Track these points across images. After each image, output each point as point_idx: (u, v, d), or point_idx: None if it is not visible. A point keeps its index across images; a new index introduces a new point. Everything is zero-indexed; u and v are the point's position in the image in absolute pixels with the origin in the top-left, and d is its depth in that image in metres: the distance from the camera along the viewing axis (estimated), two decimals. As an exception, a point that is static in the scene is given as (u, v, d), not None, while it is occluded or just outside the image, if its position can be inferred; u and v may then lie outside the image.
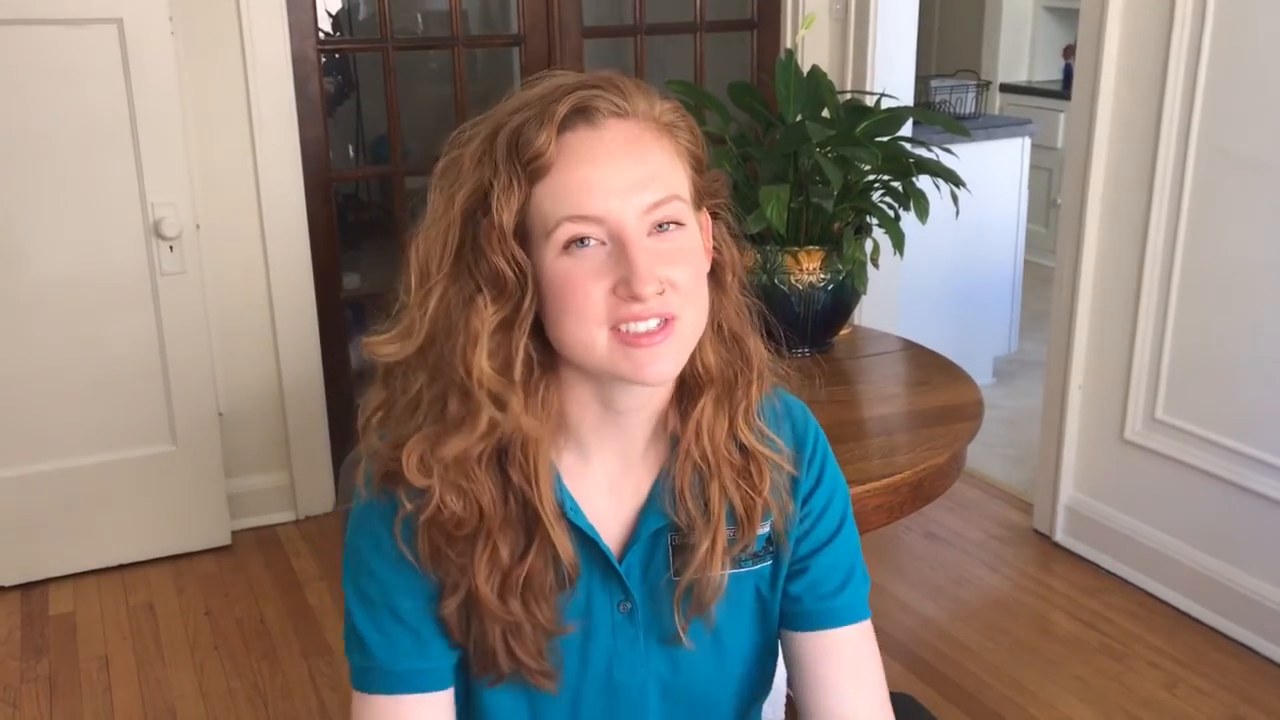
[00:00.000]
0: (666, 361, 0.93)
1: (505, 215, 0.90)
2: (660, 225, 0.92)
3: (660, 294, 0.91)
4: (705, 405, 1.00)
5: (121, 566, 2.89)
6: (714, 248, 1.01)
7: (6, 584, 2.80)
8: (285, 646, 2.56)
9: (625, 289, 0.90)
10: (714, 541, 1.01)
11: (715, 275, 1.01)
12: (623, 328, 0.91)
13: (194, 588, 2.81)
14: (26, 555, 2.81)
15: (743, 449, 1.03)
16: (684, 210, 0.94)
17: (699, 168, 0.98)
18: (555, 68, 0.99)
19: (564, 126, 0.90)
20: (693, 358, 0.99)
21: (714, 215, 1.02)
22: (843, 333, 2.23)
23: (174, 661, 2.51)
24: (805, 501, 1.07)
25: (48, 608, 2.73)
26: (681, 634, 1.03)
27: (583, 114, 0.91)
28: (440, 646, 1.00)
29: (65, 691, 2.42)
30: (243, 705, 2.36)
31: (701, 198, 0.99)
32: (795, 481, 1.06)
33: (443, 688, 1.01)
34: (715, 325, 1.01)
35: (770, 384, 1.05)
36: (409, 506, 0.94)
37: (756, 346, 1.03)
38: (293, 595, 2.77)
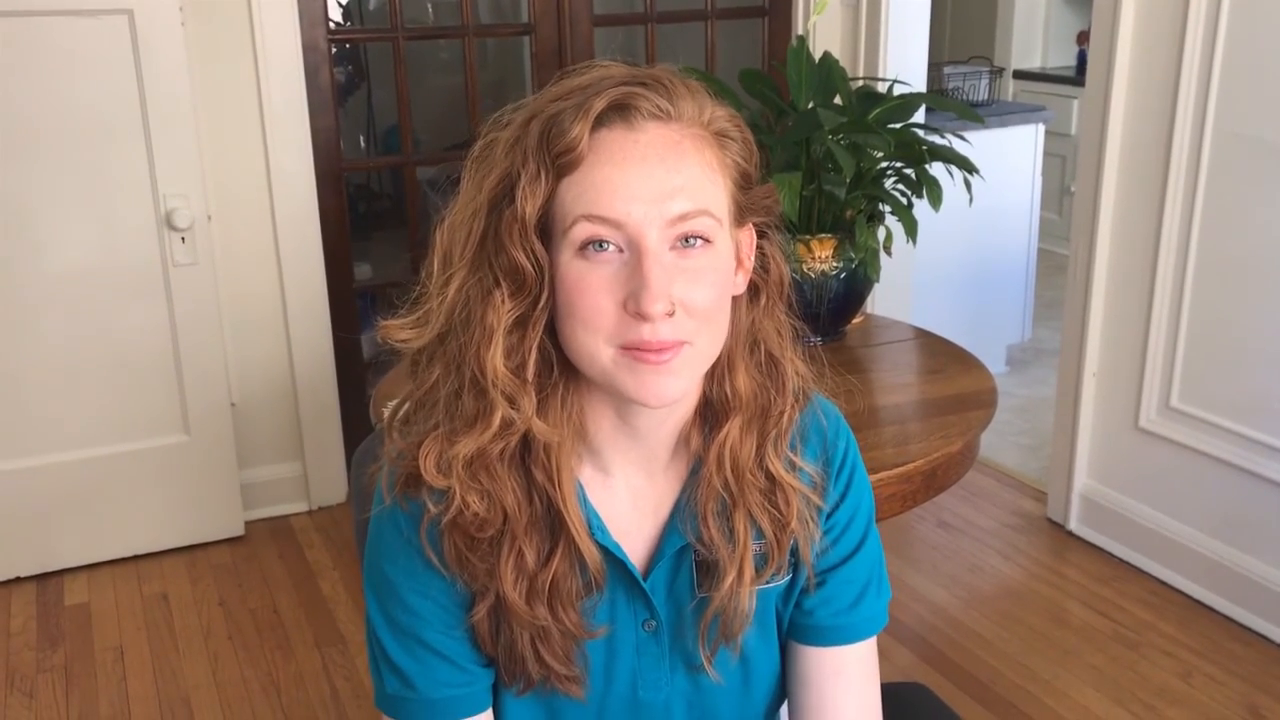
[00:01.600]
0: (672, 384, 0.88)
1: (529, 207, 0.85)
2: (685, 240, 0.87)
3: (670, 314, 0.86)
4: (731, 430, 0.95)
5: (136, 557, 2.90)
6: (760, 266, 0.96)
7: (22, 574, 2.82)
8: (299, 636, 2.57)
9: (634, 303, 0.85)
10: (741, 571, 0.97)
11: (755, 294, 0.96)
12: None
13: (208, 578, 2.82)
14: (41, 546, 2.82)
15: (769, 476, 0.98)
16: (713, 227, 0.88)
17: (745, 183, 0.92)
18: (603, 59, 0.94)
19: (599, 123, 0.85)
20: (720, 378, 0.94)
21: (762, 233, 0.96)
22: (855, 321, 2.22)
23: (188, 651, 2.53)
24: (829, 517, 1.02)
25: (63, 598, 2.75)
26: (707, 664, 1.00)
27: (621, 112, 0.86)
28: (477, 667, 0.97)
29: (81, 681, 2.43)
30: (257, 695, 2.37)
31: (744, 214, 0.93)
32: (821, 509, 1.01)
33: (484, 709, 0.99)
34: (750, 347, 0.96)
35: (807, 398, 1.00)
36: (434, 510, 0.91)
37: (796, 369, 0.98)
38: (306, 585, 2.78)
